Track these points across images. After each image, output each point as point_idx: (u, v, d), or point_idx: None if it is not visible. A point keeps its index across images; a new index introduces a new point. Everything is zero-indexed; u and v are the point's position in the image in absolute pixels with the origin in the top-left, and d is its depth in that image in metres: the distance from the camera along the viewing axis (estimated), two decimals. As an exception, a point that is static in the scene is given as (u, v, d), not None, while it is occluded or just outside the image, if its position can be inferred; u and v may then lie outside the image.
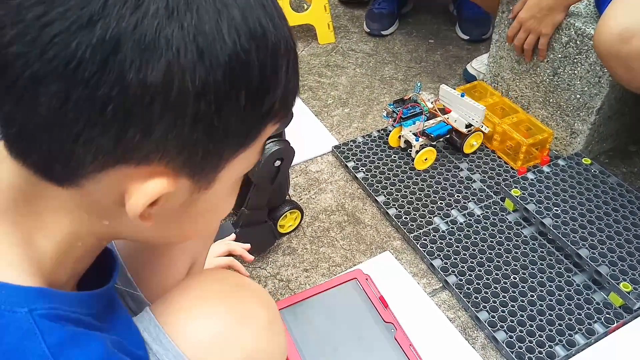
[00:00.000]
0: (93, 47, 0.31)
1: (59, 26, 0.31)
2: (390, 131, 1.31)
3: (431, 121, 1.25)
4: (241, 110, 0.36)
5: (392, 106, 1.26)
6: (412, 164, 1.25)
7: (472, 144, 1.27)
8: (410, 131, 1.24)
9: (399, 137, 1.28)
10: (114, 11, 0.31)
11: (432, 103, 1.27)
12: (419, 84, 1.28)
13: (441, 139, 1.25)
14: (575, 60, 1.16)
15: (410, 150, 1.27)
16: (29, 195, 0.38)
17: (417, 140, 1.22)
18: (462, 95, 1.21)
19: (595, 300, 0.96)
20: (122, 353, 0.40)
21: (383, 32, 1.81)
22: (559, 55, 1.20)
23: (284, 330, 0.57)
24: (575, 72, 1.17)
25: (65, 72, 0.31)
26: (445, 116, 1.25)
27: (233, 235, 0.97)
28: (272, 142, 0.91)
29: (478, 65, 1.54)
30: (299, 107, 1.45)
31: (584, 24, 1.13)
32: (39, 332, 0.35)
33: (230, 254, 0.91)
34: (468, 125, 1.23)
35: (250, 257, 0.93)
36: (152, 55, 0.32)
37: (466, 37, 1.78)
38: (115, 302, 0.47)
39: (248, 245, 0.94)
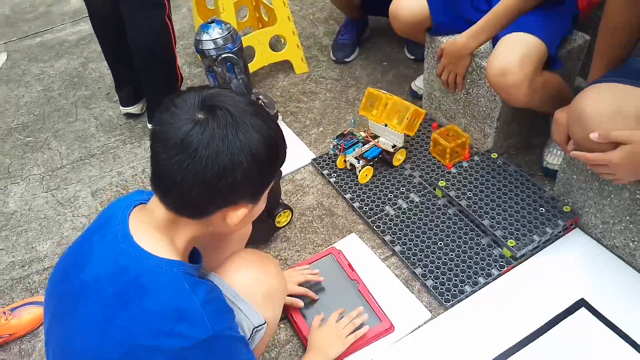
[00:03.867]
0: (217, 174, 0.75)
1: (198, 167, 0.75)
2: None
3: (366, 146, 1.67)
4: (274, 170, 0.83)
5: (336, 140, 1.69)
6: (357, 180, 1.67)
7: (398, 158, 1.71)
8: (353, 156, 1.66)
9: (344, 161, 1.71)
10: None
11: (364, 132, 1.69)
12: (352, 120, 1.70)
13: (375, 159, 1.68)
14: (478, 84, 1.61)
15: (354, 169, 1.69)
16: (173, 222, 0.82)
17: (358, 163, 1.65)
18: (385, 126, 1.62)
19: (494, 254, 1.42)
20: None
21: (346, 59, 2.23)
22: (468, 80, 1.64)
23: (284, 277, 1.04)
24: (479, 92, 1.62)
25: (208, 185, 0.75)
26: (376, 140, 1.67)
27: (317, 271, 1.39)
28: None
29: (419, 83, 1.98)
30: (285, 129, 1.89)
31: (481, 58, 1.58)
32: (183, 280, 0.78)
33: (306, 281, 1.35)
34: (393, 146, 1.66)
35: (320, 279, 1.37)
36: (235, 170, 0.75)
37: (412, 57, 2.20)
38: None
39: (321, 279, 1.37)
